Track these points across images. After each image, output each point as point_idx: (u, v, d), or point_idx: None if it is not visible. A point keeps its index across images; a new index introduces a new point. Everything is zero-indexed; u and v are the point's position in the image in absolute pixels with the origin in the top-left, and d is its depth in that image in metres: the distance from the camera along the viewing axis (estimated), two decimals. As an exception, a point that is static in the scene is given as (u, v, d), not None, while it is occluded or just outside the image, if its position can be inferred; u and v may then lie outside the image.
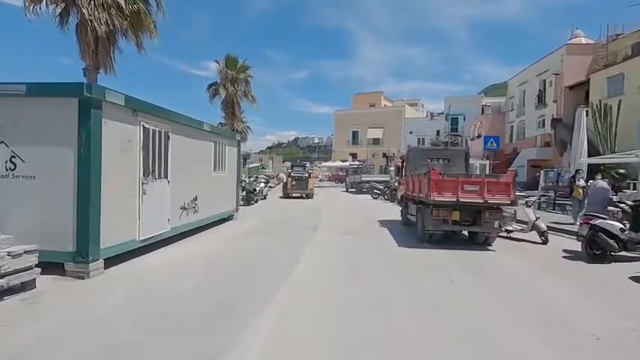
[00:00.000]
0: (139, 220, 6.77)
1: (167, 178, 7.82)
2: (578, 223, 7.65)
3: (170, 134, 7.90)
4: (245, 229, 10.51)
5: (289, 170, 22.83)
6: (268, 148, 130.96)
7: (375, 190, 22.34)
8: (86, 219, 5.52)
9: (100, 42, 10.49)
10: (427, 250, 8.06)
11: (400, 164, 12.49)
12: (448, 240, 9.02)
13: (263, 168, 48.74)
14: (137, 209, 6.72)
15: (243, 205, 16.42)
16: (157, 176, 7.39)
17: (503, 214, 8.44)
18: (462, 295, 5.15)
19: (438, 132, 49.12)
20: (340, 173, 44.20)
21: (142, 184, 6.85)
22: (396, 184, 21.06)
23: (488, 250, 8.38)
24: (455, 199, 8.04)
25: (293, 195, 21.68)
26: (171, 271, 6.06)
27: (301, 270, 6.13)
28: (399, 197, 12.82)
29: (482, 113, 45.09)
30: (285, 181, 22.08)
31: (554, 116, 28.96)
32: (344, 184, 34.01)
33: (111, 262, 6.06)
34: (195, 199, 9.22)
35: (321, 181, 49.49)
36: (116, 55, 11.32)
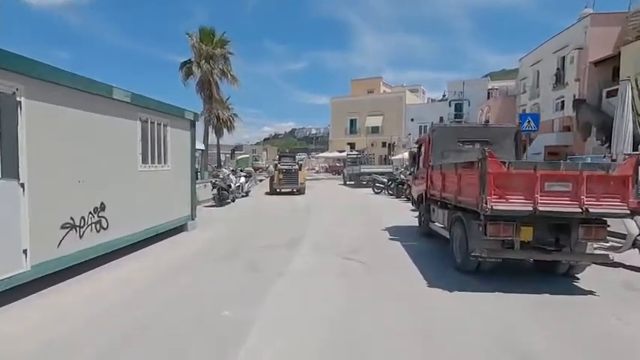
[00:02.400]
0: None
1: (18, 178, 4.27)
2: None
3: (22, 99, 4.32)
4: (187, 251, 6.93)
5: (276, 161, 19.19)
6: (265, 139, 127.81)
7: (378, 184, 18.79)
8: None
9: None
10: (482, 297, 4.54)
11: (417, 150, 8.92)
12: (503, 268, 5.52)
13: (256, 160, 45.24)
14: None
15: (215, 206, 12.92)
16: (-21, 176, 3.84)
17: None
18: None
19: (442, 119, 45.32)
20: (337, 164, 40.72)
21: None
22: (405, 177, 17.64)
23: (581, 290, 4.88)
24: (531, 208, 4.51)
25: (282, 190, 18.14)
26: None
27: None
28: (414, 196, 9.28)
29: (489, 98, 41.46)
30: (272, 174, 18.53)
31: (577, 96, 25.35)
32: (341, 176, 30.47)
33: None
34: (101, 208, 5.67)
35: (317, 172, 46.04)
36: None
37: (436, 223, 7.37)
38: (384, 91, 51.46)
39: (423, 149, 8.33)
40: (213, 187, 12.89)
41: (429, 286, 4.91)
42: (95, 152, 5.56)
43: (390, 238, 8.00)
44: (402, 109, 46.68)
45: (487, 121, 30.39)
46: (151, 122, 7.05)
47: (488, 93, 42.94)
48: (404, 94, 47.63)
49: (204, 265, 5.89)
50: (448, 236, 6.23)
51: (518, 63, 35.35)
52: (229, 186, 13.48)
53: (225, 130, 31.18)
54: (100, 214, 5.64)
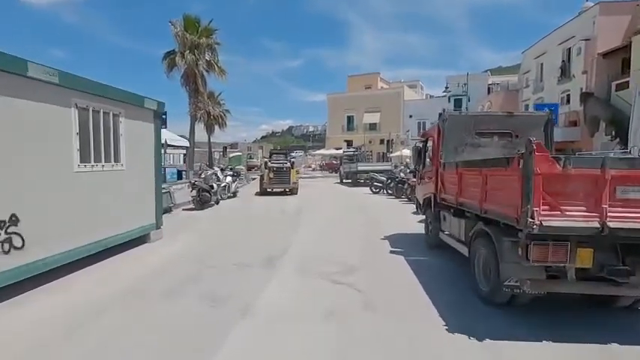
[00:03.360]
0: None
1: None
2: None
3: None
4: (136, 273, 5.52)
5: (266, 159, 17.74)
6: (262, 137, 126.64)
7: (376, 183, 17.39)
8: None
9: None
10: (527, 350, 3.17)
11: (422, 145, 7.50)
12: (541, 298, 4.10)
13: (250, 158, 43.76)
14: None
15: (195, 210, 11.50)
16: None
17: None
18: None
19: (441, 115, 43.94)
20: (334, 162, 39.31)
21: None
22: (405, 175, 16.26)
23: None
24: (597, 223, 3.15)
25: (274, 190, 16.69)
26: None
27: None
28: (418, 199, 7.88)
29: (489, 93, 40.11)
30: (262, 172, 17.11)
31: (584, 90, 24.00)
32: (338, 175, 29.08)
33: None
34: (12, 222, 4.25)
35: (313, 170, 44.66)
36: None
37: (447, 233, 5.99)
38: (382, 87, 50.02)
39: (430, 143, 6.93)
40: (193, 188, 11.47)
41: (449, 331, 3.52)
42: (2, 148, 4.14)
43: (392, 251, 6.61)
44: (400, 106, 45.33)
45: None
46: (95, 111, 5.61)
47: (489, 88, 41.58)
48: (402, 90, 46.25)
49: (147, 297, 4.45)
50: (466, 253, 4.85)
51: (515, 59, 34.16)
52: (212, 187, 12.05)
53: (216, 127, 29.69)
54: (9, 230, 4.21)
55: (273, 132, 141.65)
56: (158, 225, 7.45)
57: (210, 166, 26.17)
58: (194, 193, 11.38)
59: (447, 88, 31.22)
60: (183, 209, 11.71)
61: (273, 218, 10.46)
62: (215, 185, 12.27)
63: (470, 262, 4.62)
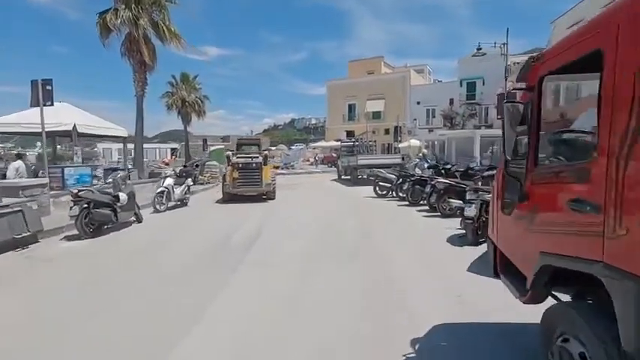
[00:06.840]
0: None
1: None
2: None
3: None
4: None
5: (229, 152, 12.81)
6: (264, 130, 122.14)
7: (382, 183, 12.44)
8: None
9: None
10: None
11: (535, 99, 2.55)
12: None
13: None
14: None
15: (81, 239, 6.71)
16: None
17: None
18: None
19: (452, 101, 38.73)
20: (334, 155, 34.40)
21: None
22: (421, 171, 11.27)
23: None
24: None
25: (247, 194, 11.79)
26: None
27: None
28: (512, 258, 2.81)
29: (507, 75, 34.69)
30: (225, 172, 12.24)
31: None
32: (336, 170, 24.17)
33: None
34: None
35: (311, 164, 39.76)
36: None
37: None
38: (386, 73, 44.65)
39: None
40: (75, 203, 6.65)
41: None
42: None
43: None
44: (406, 91, 40.13)
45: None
46: None
47: (506, 68, 36.17)
48: (408, 74, 40.97)
49: None
50: None
51: (523, 47, 28.63)
52: (117, 197, 7.22)
53: (194, 116, 24.90)
54: None
55: (275, 125, 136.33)
56: None
57: (187, 160, 21.35)
58: (75, 210, 6.54)
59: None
60: (64, 237, 6.94)
61: (201, 257, 5.65)
62: (124, 195, 7.41)
63: None
